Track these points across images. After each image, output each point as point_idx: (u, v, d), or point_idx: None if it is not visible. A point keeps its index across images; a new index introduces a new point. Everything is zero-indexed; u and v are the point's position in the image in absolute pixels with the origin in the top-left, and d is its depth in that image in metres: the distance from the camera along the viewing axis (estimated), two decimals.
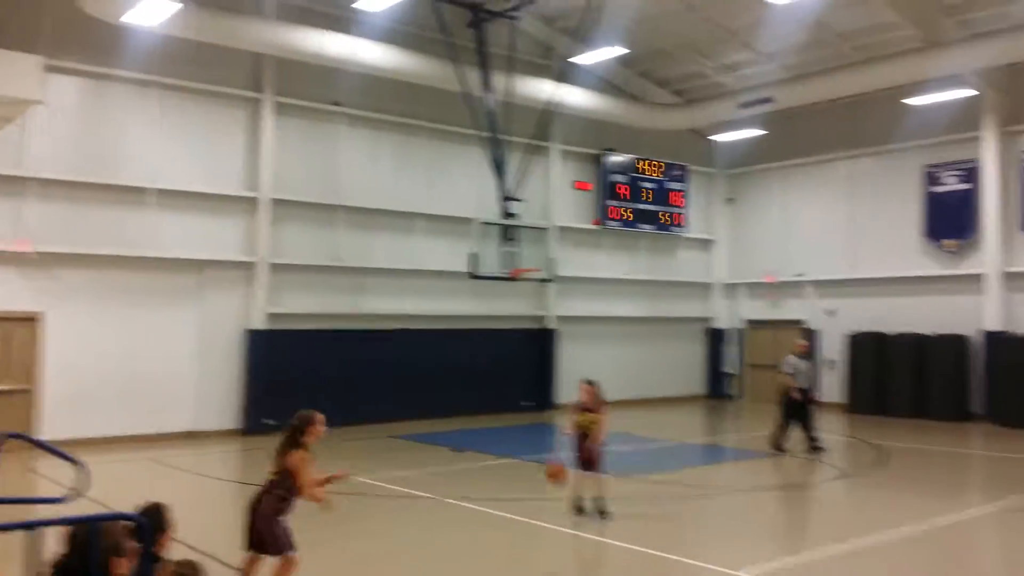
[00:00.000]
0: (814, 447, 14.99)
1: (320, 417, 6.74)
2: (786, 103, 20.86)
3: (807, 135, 23.36)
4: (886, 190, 21.96)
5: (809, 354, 16.30)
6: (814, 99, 20.94)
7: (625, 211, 23.27)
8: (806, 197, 23.78)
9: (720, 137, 24.03)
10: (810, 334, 22.30)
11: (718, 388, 25.24)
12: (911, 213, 21.39)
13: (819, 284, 23.25)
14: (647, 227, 23.76)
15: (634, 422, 19.03)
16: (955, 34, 18.33)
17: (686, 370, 25.01)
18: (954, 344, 19.93)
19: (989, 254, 19.75)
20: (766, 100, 20.65)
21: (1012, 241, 19.71)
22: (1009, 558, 9.34)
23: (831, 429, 19.59)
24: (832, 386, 22.48)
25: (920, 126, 20.80)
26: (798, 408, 15.18)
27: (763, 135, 23.20)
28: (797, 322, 23.66)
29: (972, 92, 19.18)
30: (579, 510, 10.03)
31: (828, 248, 23.03)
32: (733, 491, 12.33)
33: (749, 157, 24.68)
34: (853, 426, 19.15)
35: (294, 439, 6.60)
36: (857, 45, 19.87)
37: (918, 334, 20.47)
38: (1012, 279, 19.61)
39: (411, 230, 19.71)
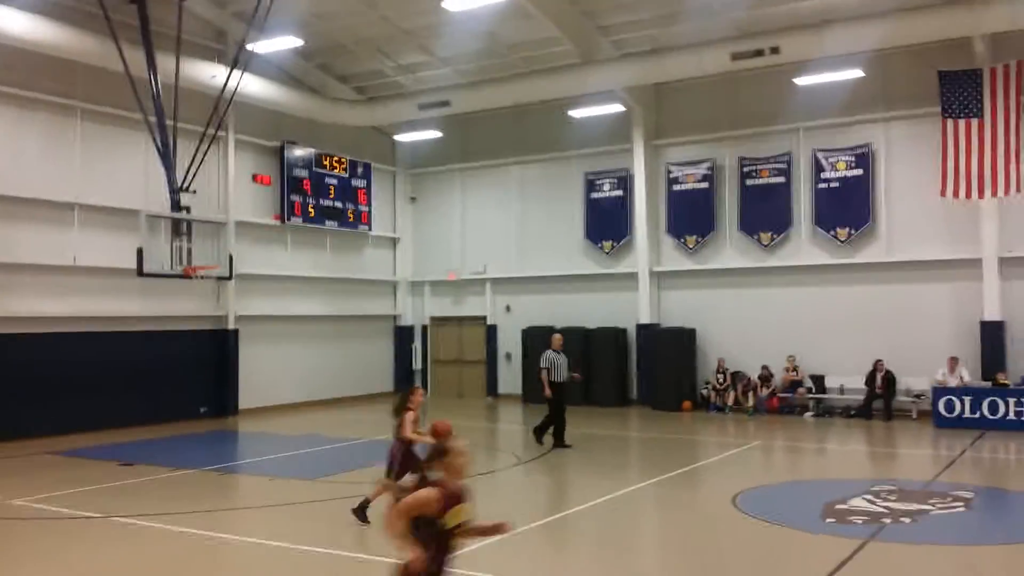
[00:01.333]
0: (562, 443, 15.14)
1: None
2: (461, 108, 21.70)
3: (483, 139, 24.46)
4: (553, 194, 23.64)
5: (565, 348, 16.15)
6: (487, 105, 22.03)
7: (309, 207, 22.76)
8: (483, 198, 24.89)
9: (402, 137, 24.39)
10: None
11: (407, 385, 25.54)
12: (575, 216, 23.22)
13: (496, 282, 24.46)
14: (332, 224, 23.44)
15: (323, 422, 18.68)
16: (609, 53, 20.18)
17: (375, 368, 25.05)
18: (615, 337, 21.97)
19: (640, 255, 22.00)
20: (443, 103, 21.32)
21: (659, 243, 22.13)
22: (658, 525, 10.46)
23: (510, 419, 20.75)
24: (510, 378, 23.80)
25: (581, 136, 22.68)
26: (557, 402, 15.26)
27: (443, 137, 23.94)
28: (479, 318, 24.74)
29: (622, 108, 21.24)
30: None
31: (504, 247, 24.31)
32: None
33: (430, 157, 25.33)
34: (529, 415, 20.32)
35: None
36: (524, 57, 21.15)
37: (585, 328, 22.26)
38: (660, 277, 22.02)
39: (66, 222, 17.66)
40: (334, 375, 23.39)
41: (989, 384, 17.39)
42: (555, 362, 15.43)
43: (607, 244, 22.81)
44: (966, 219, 18.26)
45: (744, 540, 9.17)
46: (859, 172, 19.72)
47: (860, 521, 9.61)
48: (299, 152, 22.55)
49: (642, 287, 21.92)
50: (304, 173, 22.68)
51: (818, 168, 20.18)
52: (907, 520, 9.67)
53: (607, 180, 22.85)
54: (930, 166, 18.07)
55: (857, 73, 18.35)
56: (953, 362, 17.77)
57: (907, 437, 16.64)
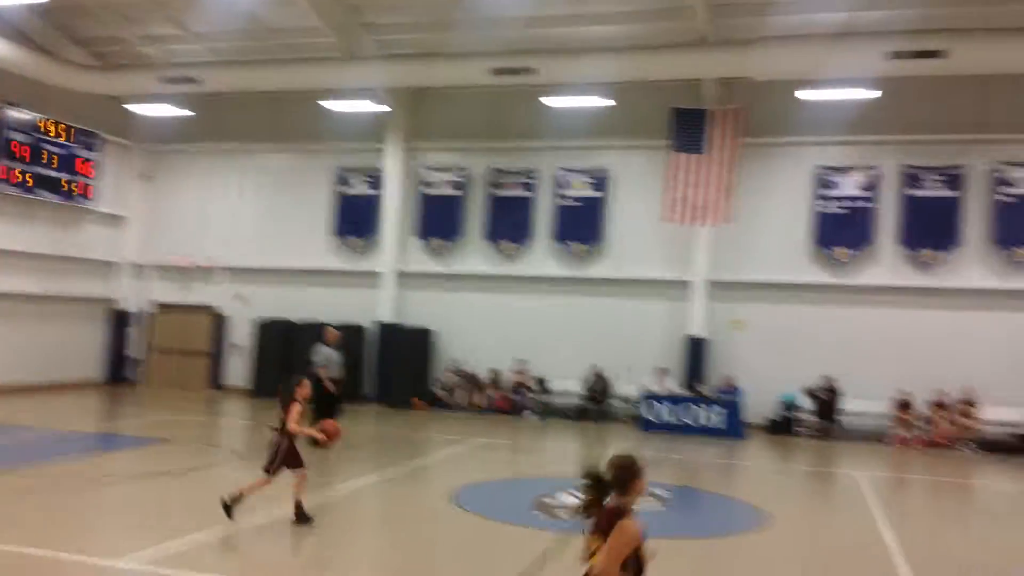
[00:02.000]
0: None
1: None
2: (213, 87, 20.65)
3: (233, 122, 23.41)
4: (303, 187, 23.10)
5: (341, 344, 15.65)
6: (240, 87, 21.13)
7: (23, 175, 20.55)
8: (227, 184, 23.79)
9: (141, 109, 22.71)
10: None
11: (119, 373, 23.78)
12: (323, 210, 22.83)
13: (233, 271, 23.44)
14: (49, 195, 21.31)
15: (17, 410, 16.91)
16: (372, 51, 20.11)
17: (82, 354, 23.01)
18: (352, 333, 21.77)
19: (387, 254, 22.03)
20: (191, 80, 20.18)
21: (406, 244, 22.30)
22: (377, 521, 10.52)
23: (236, 414, 19.94)
24: (239, 371, 22.90)
25: (336, 130, 22.35)
26: (329, 400, 14.51)
27: (189, 115, 22.62)
28: (209, 307, 23.58)
29: (382, 107, 21.23)
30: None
31: (244, 236, 23.37)
32: (125, 479, 11.70)
33: (172, 135, 23.81)
34: (257, 410, 19.66)
35: None
36: (285, 43, 20.54)
37: (322, 323, 21.86)
38: (405, 277, 22.18)
39: None
40: (33, 359, 21.15)
41: (690, 393, 19.21)
42: (330, 358, 14.90)
43: (354, 241, 22.64)
44: (683, 244, 20.07)
45: (456, 534, 9.44)
46: (596, 193, 21.06)
47: (566, 515, 10.22)
48: (18, 115, 20.31)
49: (386, 286, 21.97)
50: (21, 137, 20.44)
51: (560, 186, 21.31)
52: None
53: (359, 177, 22.69)
54: (657, 193, 19.64)
55: (604, 101, 19.57)
56: (661, 372, 19.49)
57: (616, 438, 17.93)
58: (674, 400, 18.87)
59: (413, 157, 22.37)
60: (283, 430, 9.18)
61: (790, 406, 19.16)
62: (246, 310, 22.96)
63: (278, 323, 22.23)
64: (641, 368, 19.75)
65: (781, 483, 14.46)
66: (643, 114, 20.27)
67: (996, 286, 18.46)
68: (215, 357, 23.51)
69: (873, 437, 18.45)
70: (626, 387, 19.98)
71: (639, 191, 20.65)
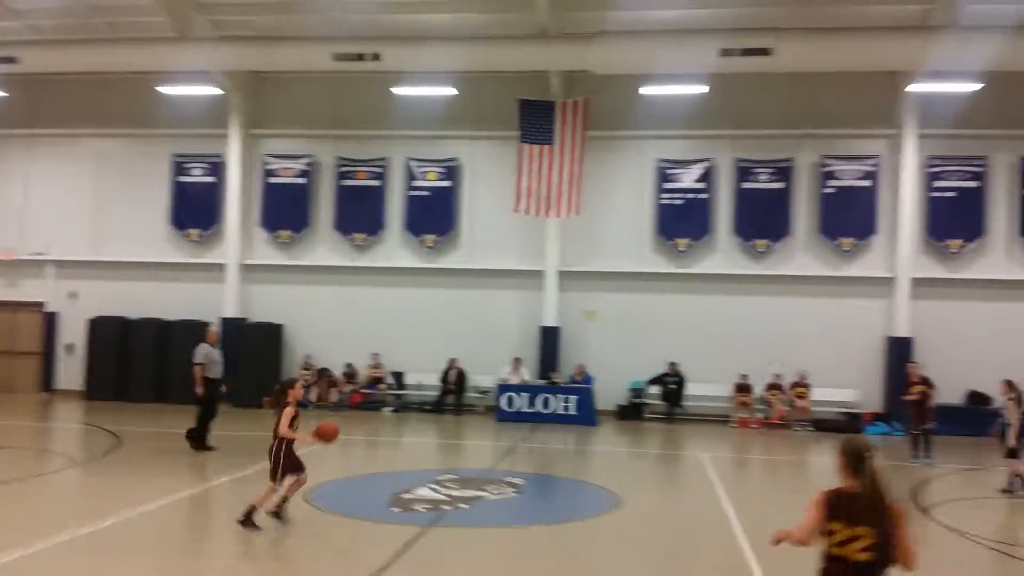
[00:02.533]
0: (203, 445, 13.82)
1: None
2: (32, 67, 19.12)
3: (56, 105, 21.79)
4: (137, 175, 21.79)
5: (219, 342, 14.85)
6: (64, 68, 19.74)
7: None
8: (52, 171, 22.12)
9: None
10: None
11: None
12: (160, 200, 21.63)
13: (62, 264, 21.86)
14: None
15: None
16: (206, 32, 19.16)
17: None
18: (196, 330, 20.70)
19: (230, 246, 21.12)
20: (9, 59, 18.61)
21: (251, 235, 21.46)
22: (227, 524, 10.08)
23: (68, 417, 18.62)
24: (71, 372, 21.43)
25: (172, 115, 21.18)
26: (210, 400, 13.91)
27: (6, 98, 20.85)
28: (36, 304, 21.91)
29: (219, 91, 20.29)
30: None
31: (73, 227, 21.81)
32: None
33: None
34: (91, 413, 18.48)
35: None
36: (111, 22, 19.30)
37: (161, 319, 20.79)
38: (250, 270, 21.34)
39: None
40: None
41: (544, 382, 19.51)
42: (211, 357, 14.21)
43: (194, 232, 21.58)
44: (535, 235, 20.31)
45: (313, 533, 9.15)
46: (447, 183, 20.99)
47: (423, 509, 10.14)
48: None
49: (230, 280, 21.08)
50: None
51: (411, 176, 21.08)
52: (465, 506, 10.41)
53: (198, 165, 21.62)
54: (509, 184, 19.76)
55: (451, 91, 19.47)
56: (516, 362, 19.68)
57: (473, 430, 18.01)
58: (529, 389, 19.10)
59: (255, 144, 21.53)
60: (276, 435, 8.96)
61: (639, 392, 19.80)
62: (79, 307, 21.43)
63: (113, 320, 20.92)
64: (496, 359, 19.85)
65: (631, 467, 14.90)
66: (493, 104, 20.32)
67: (824, 273, 19.72)
68: (46, 357, 21.86)
69: (717, 419, 19.35)
70: (482, 378, 20.06)
71: (491, 181, 20.72)
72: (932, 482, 13.11)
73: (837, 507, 4.56)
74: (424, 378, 20.35)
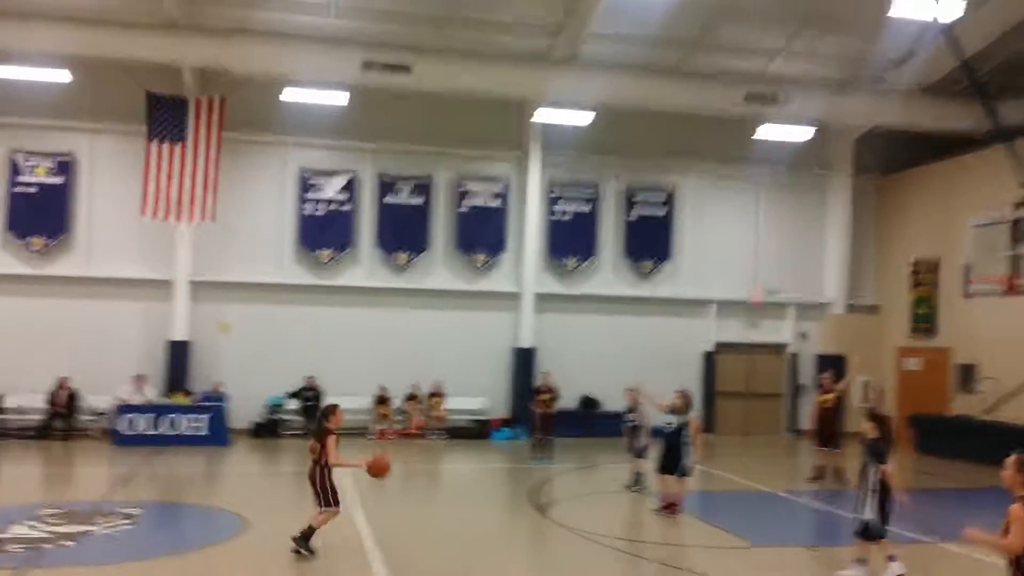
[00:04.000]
0: None
1: None
2: None
3: None
4: None
5: None
6: None
7: None
8: None
9: None
10: None
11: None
12: None
13: None
14: None
15: None
16: None
17: None
18: None
19: None
20: None
21: None
22: None
23: None
24: None
25: None
26: None
27: None
28: None
29: None
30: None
31: None
32: None
33: None
34: None
35: None
36: None
37: None
38: None
39: None
40: None
41: (171, 401, 18.10)
42: None
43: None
44: (163, 241, 18.84)
45: None
46: (60, 180, 18.76)
47: (18, 549, 8.86)
48: None
49: None
50: None
51: (16, 171, 18.55)
52: (70, 543, 9.28)
53: None
54: (135, 184, 18.10)
55: (64, 75, 17.37)
56: (138, 380, 18.01)
57: (85, 457, 16.18)
58: (153, 410, 17.54)
59: None
60: (320, 464, 9.07)
61: (276, 408, 19.17)
62: None
63: None
64: (115, 377, 18.00)
65: (263, 487, 14.31)
66: (117, 96, 18.55)
67: (459, 288, 20.61)
68: None
69: (356, 432, 19.30)
70: (98, 399, 18.08)
71: (114, 181, 18.89)
72: (553, 480, 14.19)
73: None
74: (27, 400, 17.86)
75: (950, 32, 13.76)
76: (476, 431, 19.88)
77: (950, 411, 19.48)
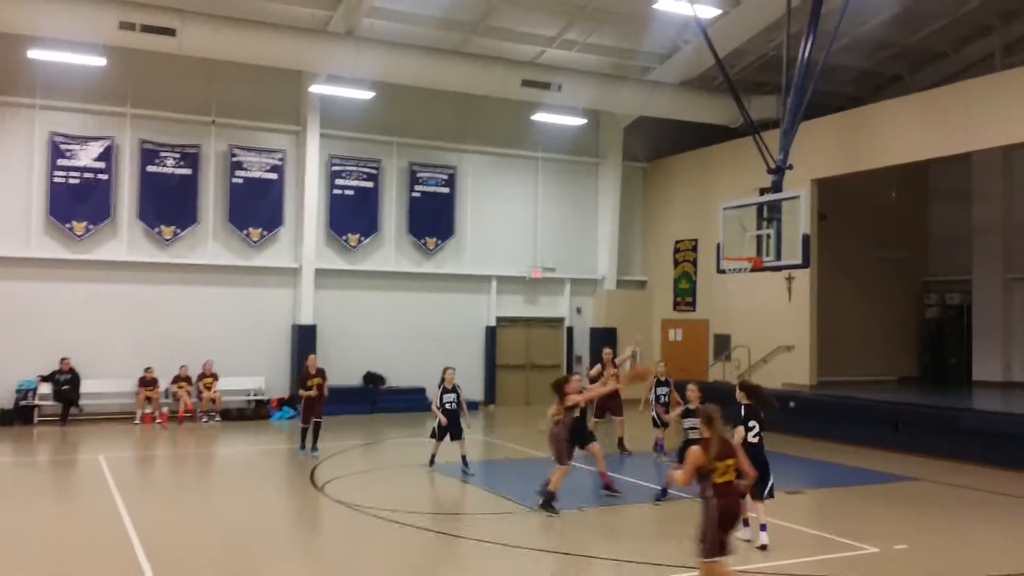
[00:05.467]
0: None
1: None
2: None
3: None
4: None
5: None
6: None
7: None
8: None
9: None
10: None
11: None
12: None
13: None
14: None
15: None
16: None
17: None
18: None
19: None
20: None
21: None
22: None
23: None
24: None
25: None
26: None
27: None
28: None
29: None
30: None
31: None
32: None
33: None
34: None
35: None
36: None
37: None
38: None
39: None
40: None
41: None
42: None
43: None
44: None
45: None
46: None
47: None
48: None
49: None
50: None
51: None
52: None
53: None
54: None
55: None
56: None
57: None
58: None
59: None
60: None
61: (28, 393, 17.51)
62: None
63: None
64: None
65: (13, 479, 13.01)
66: None
67: (233, 263, 19.70)
68: None
69: (120, 417, 18.05)
70: None
71: None
72: (336, 458, 13.95)
73: None
74: None
75: (706, 31, 14.75)
76: (254, 412, 19.18)
77: (708, 378, 21.17)
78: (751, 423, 8.93)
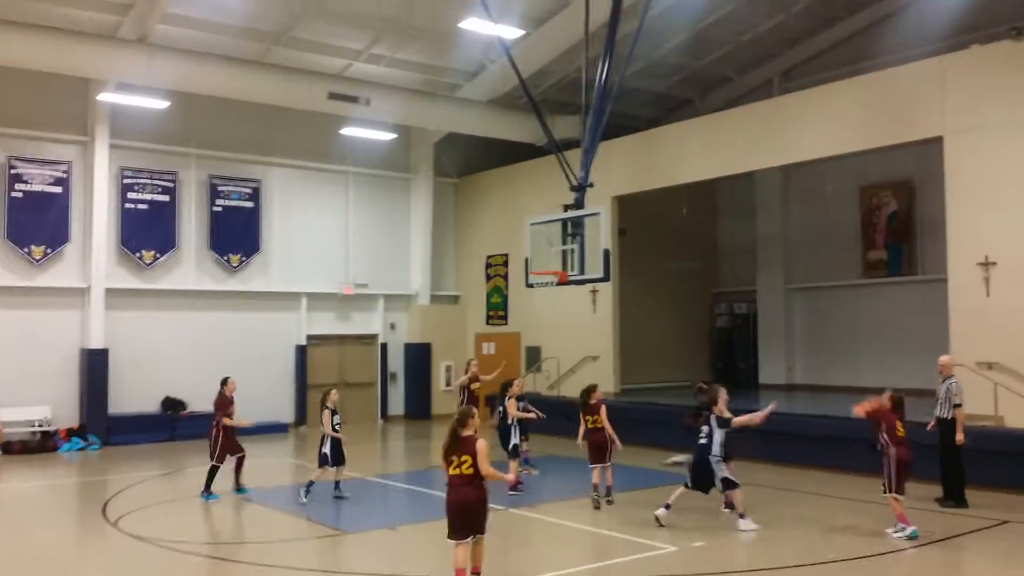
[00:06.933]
0: None
1: None
2: None
3: None
4: None
5: None
6: None
7: None
8: None
9: None
10: None
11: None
12: None
13: None
14: None
15: None
16: None
17: None
18: None
19: None
20: None
21: None
22: None
23: None
24: None
25: None
26: None
27: None
28: None
29: None
30: None
31: None
32: None
33: None
34: None
35: None
36: None
37: None
38: None
39: None
40: None
41: None
42: None
43: None
44: None
45: None
46: None
47: None
48: None
49: None
50: None
51: None
52: None
53: None
54: None
55: None
56: None
57: None
58: None
59: None
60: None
61: None
62: None
63: None
64: None
65: None
66: None
67: (12, 284, 18.06)
68: None
69: None
70: None
71: None
72: (133, 489, 13.06)
73: None
74: None
75: (510, 51, 15.10)
76: (39, 444, 17.67)
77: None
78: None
